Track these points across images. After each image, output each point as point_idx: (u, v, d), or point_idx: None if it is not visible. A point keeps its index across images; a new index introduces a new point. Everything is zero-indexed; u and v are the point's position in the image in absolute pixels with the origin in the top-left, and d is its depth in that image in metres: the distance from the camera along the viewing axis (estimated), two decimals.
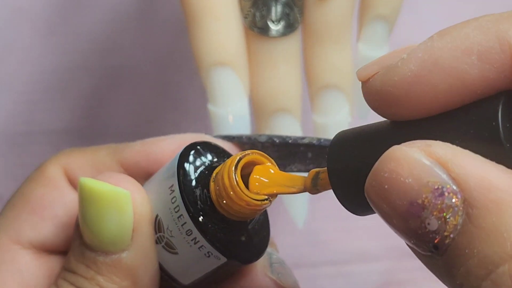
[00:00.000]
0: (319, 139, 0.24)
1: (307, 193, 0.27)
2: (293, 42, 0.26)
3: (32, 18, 0.45)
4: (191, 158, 0.22)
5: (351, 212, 0.18)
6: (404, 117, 0.17)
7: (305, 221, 0.27)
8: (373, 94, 0.17)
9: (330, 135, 0.27)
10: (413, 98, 0.16)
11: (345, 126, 0.27)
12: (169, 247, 0.22)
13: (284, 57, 0.26)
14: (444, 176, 0.15)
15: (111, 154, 0.25)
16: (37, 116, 0.39)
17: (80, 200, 0.22)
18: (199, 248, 0.22)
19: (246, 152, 0.21)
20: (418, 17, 0.43)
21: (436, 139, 0.16)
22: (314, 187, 0.20)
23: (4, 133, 0.39)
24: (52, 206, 0.25)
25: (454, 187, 0.15)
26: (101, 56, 0.39)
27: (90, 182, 0.22)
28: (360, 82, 0.29)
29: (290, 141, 0.24)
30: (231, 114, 0.26)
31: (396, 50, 0.18)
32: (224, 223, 0.22)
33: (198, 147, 0.22)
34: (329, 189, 0.19)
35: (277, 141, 0.24)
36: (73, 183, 0.25)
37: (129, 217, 0.22)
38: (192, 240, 0.22)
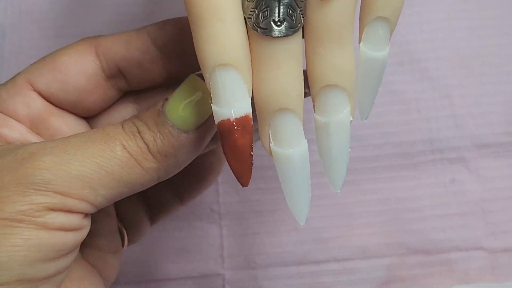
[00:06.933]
0: None
1: (308, 191, 0.27)
2: (296, 43, 0.26)
3: (40, 20, 0.45)
4: None
5: None
6: None
7: (307, 219, 0.27)
8: None
9: (332, 134, 0.28)
10: None
11: (347, 126, 0.27)
12: None
13: (286, 57, 0.26)
14: None
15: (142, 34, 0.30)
16: None
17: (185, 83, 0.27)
18: None
19: None
20: (419, 18, 0.44)
21: None
22: None
23: None
24: (71, 70, 0.30)
25: None
26: None
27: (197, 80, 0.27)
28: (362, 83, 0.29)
29: None
30: (234, 113, 0.26)
31: None
32: None
33: None
34: None
35: None
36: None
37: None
38: None
